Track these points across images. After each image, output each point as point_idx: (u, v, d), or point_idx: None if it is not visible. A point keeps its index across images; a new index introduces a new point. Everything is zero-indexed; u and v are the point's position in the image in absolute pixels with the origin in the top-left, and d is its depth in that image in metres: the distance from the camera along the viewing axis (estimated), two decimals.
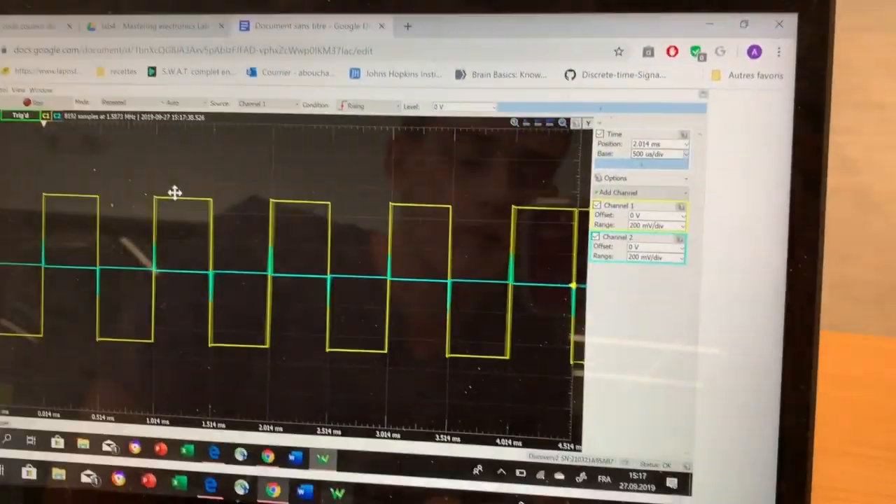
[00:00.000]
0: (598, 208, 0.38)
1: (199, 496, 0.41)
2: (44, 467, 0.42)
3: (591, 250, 0.38)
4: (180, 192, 0.41)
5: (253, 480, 0.41)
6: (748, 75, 0.37)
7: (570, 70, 0.38)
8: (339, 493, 0.40)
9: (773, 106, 0.37)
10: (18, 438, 0.42)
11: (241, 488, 0.41)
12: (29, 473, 0.42)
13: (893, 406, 0.57)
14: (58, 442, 0.42)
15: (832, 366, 0.61)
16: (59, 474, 0.42)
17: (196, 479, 0.41)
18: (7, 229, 0.42)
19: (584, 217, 0.38)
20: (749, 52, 0.37)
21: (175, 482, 0.41)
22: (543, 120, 0.38)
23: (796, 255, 0.37)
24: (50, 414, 0.42)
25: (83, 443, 0.42)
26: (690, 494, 0.38)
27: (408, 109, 0.39)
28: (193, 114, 0.40)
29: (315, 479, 0.40)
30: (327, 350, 0.40)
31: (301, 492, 0.41)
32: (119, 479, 0.42)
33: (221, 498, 0.41)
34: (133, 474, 0.42)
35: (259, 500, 0.41)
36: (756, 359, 0.37)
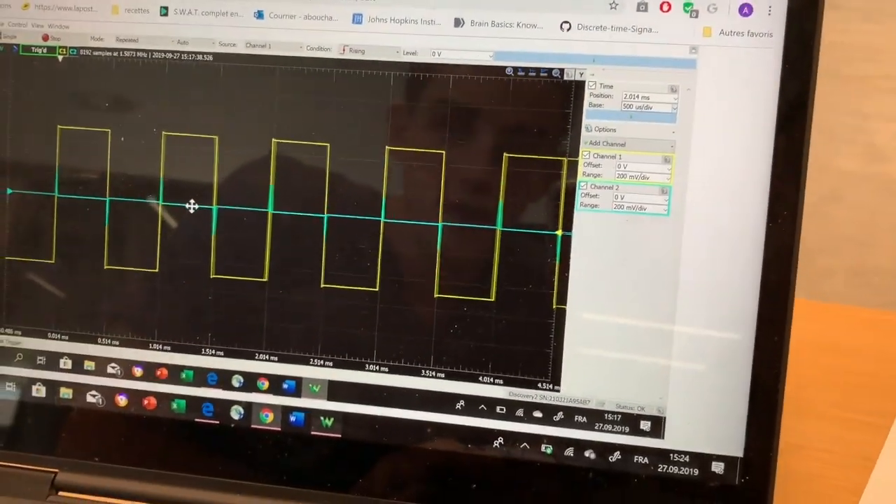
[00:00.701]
0: (587, 158, 0.40)
1: (196, 419, 0.43)
2: (52, 386, 0.45)
3: (578, 199, 0.40)
4: (188, 130, 0.42)
5: (248, 406, 0.43)
6: (738, 33, 0.38)
7: (566, 22, 0.39)
8: (328, 422, 0.42)
9: (761, 64, 0.38)
10: (29, 358, 0.45)
11: (236, 414, 0.43)
12: (38, 392, 0.45)
13: (887, 375, 0.58)
14: (66, 363, 0.44)
15: (831, 336, 0.63)
16: (66, 393, 0.45)
17: (194, 403, 0.43)
18: (24, 159, 0.44)
19: (573, 167, 0.40)
20: (740, 10, 0.38)
21: (174, 405, 0.44)
22: (538, 70, 0.40)
23: (776, 211, 0.38)
24: (59, 336, 0.44)
25: (89, 364, 0.44)
26: (663, 437, 0.40)
27: (406, 55, 0.40)
28: (202, 53, 0.42)
29: (306, 407, 0.42)
30: (322, 286, 0.42)
31: (293, 419, 0.43)
32: (122, 401, 0.44)
33: (217, 422, 0.43)
34: (135, 396, 0.44)
35: (253, 426, 0.43)
36: (732, 310, 0.39)
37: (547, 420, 0.41)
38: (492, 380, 0.41)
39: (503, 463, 0.41)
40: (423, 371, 0.41)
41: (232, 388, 0.43)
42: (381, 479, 0.42)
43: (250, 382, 0.43)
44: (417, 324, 0.41)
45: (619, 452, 0.40)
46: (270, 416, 0.43)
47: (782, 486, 0.46)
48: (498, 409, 0.41)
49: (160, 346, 0.44)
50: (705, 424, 0.39)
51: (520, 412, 0.41)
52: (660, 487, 0.40)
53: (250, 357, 0.43)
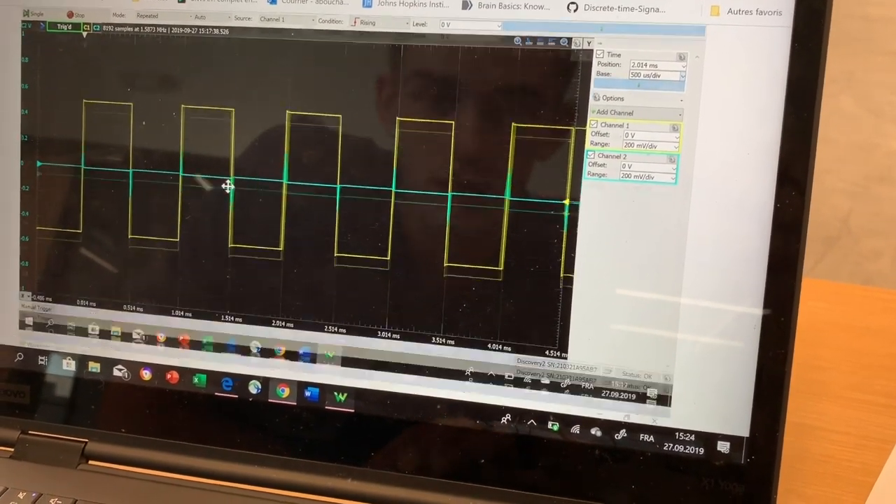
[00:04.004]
0: (595, 128, 0.40)
1: (216, 394, 0.45)
2: (81, 361, 0.47)
3: (586, 168, 0.40)
4: (206, 102, 0.44)
5: (265, 381, 0.44)
6: (747, 11, 0.38)
7: (573, 3, 0.40)
8: (342, 397, 0.44)
9: (770, 42, 0.38)
10: (59, 325, 0.47)
11: (254, 388, 0.45)
12: (68, 365, 0.47)
13: None
14: (93, 329, 0.46)
15: (845, 316, 0.62)
16: (94, 367, 0.47)
17: (214, 377, 0.45)
18: (51, 133, 0.46)
19: (581, 136, 0.40)
20: None
21: (195, 380, 0.45)
22: (546, 39, 0.40)
23: (784, 191, 0.38)
24: (87, 303, 0.46)
25: (116, 329, 0.46)
26: (669, 406, 0.40)
27: (416, 27, 0.41)
28: (218, 28, 0.43)
29: (320, 381, 0.44)
30: (335, 255, 0.43)
31: (308, 393, 0.44)
32: (146, 375, 0.46)
33: (236, 396, 0.45)
34: (159, 371, 0.46)
35: (270, 400, 0.44)
36: (739, 283, 0.39)
37: (554, 388, 0.41)
38: (500, 347, 0.41)
39: (511, 440, 0.41)
40: (434, 339, 0.42)
41: (250, 354, 0.44)
42: (392, 454, 0.43)
43: (268, 349, 0.44)
44: (427, 293, 0.42)
45: (625, 430, 0.40)
46: (286, 391, 0.44)
47: (796, 467, 0.46)
48: (506, 375, 0.41)
49: (182, 313, 0.45)
50: (711, 404, 0.40)
51: (528, 380, 0.41)
52: (666, 466, 0.40)
53: (267, 324, 0.44)
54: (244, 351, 0.45)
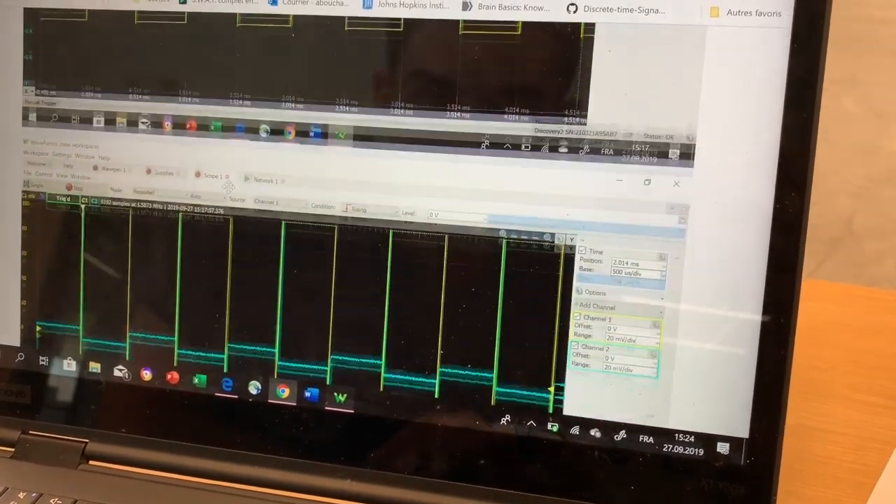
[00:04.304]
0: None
1: (216, 394, 0.45)
2: (83, 361, 0.47)
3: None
4: None
5: (265, 382, 0.45)
6: (746, 12, 0.38)
7: (573, 4, 0.40)
8: (341, 398, 0.44)
9: (770, 43, 0.38)
10: (64, 117, 0.46)
11: (254, 388, 0.45)
12: (69, 366, 0.47)
13: None
14: (98, 121, 0.46)
15: (847, 317, 0.62)
16: (94, 367, 0.47)
17: (214, 378, 0.45)
18: None
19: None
20: None
21: (196, 380, 0.45)
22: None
23: (783, 193, 0.38)
24: (92, 94, 0.46)
25: (121, 121, 0.46)
26: (693, 166, 0.39)
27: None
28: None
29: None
30: (345, 29, 0.42)
31: (307, 394, 0.44)
32: (147, 375, 0.46)
33: (236, 396, 0.45)
34: (159, 371, 0.46)
35: (270, 400, 0.44)
36: (739, 285, 0.39)
37: (573, 155, 0.40)
38: (517, 116, 0.41)
39: (510, 440, 0.42)
40: (448, 112, 0.41)
41: (259, 139, 0.44)
42: (391, 454, 0.43)
43: (277, 131, 0.43)
44: (441, 59, 0.41)
45: (624, 431, 0.40)
46: (286, 392, 0.44)
47: (796, 468, 0.46)
48: (523, 146, 0.40)
49: (189, 99, 0.44)
50: (711, 405, 0.40)
51: (545, 148, 0.40)
52: (665, 467, 0.40)
53: (276, 106, 0.43)
54: (253, 134, 0.44)
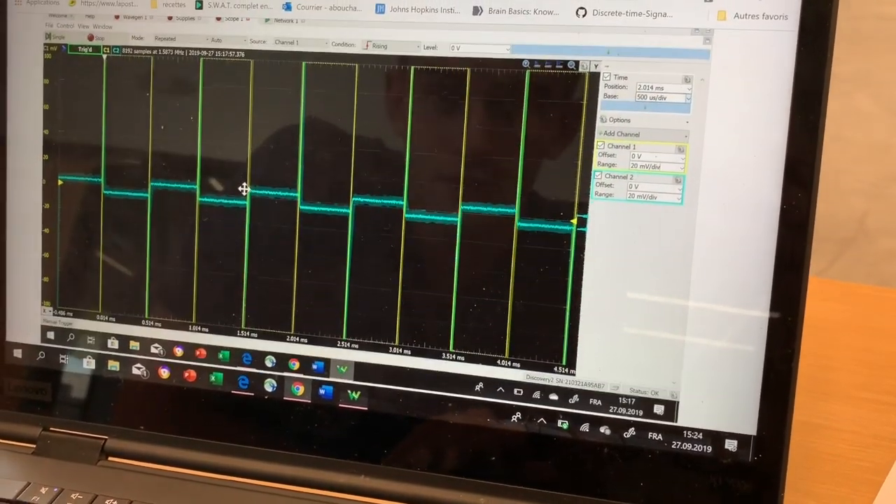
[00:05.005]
0: (602, 149, 0.40)
1: (232, 391, 0.46)
2: (101, 360, 0.48)
3: (593, 188, 0.41)
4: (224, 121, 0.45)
5: (280, 380, 0.45)
6: (753, 16, 0.38)
7: (581, 8, 0.40)
8: (355, 395, 0.44)
9: (777, 46, 0.38)
10: (80, 339, 0.48)
11: (269, 386, 0.46)
12: (88, 364, 0.48)
13: None
14: (113, 343, 0.48)
15: (856, 316, 0.62)
16: (113, 366, 0.48)
17: (230, 376, 0.46)
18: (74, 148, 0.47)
19: (588, 156, 0.40)
20: None
21: (212, 378, 0.46)
22: (553, 62, 0.41)
23: (791, 194, 0.38)
24: (107, 318, 0.47)
25: (134, 345, 0.47)
26: (676, 421, 0.41)
27: (427, 50, 0.42)
28: (234, 50, 0.44)
29: (335, 381, 0.45)
30: (347, 273, 0.44)
31: (322, 391, 0.45)
32: (164, 373, 0.47)
33: (252, 394, 0.46)
34: (176, 369, 0.47)
35: (285, 398, 0.45)
36: (747, 283, 0.39)
37: (563, 403, 0.42)
38: (509, 363, 0.42)
39: (522, 438, 0.42)
40: (444, 354, 0.43)
41: (265, 368, 0.45)
42: (404, 451, 0.44)
43: (282, 363, 0.45)
44: (438, 309, 0.43)
45: (633, 429, 0.41)
46: (301, 389, 0.45)
47: (804, 466, 0.46)
48: (515, 391, 0.42)
49: (199, 328, 0.46)
50: (719, 403, 0.40)
51: (536, 395, 0.42)
52: (674, 464, 0.41)
53: (282, 339, 0.45)
54: (259, 365, 0.46)
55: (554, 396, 0.42)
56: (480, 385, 0.43)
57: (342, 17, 0.43)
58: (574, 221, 0.41)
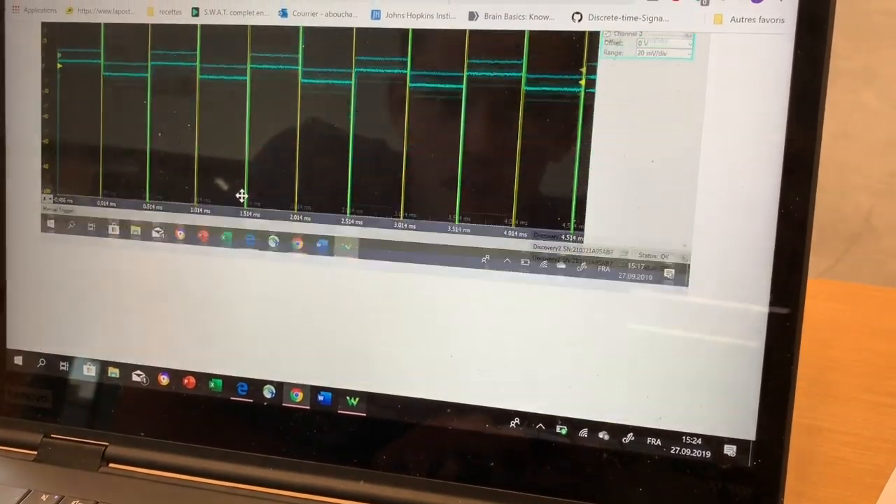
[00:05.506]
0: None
1: (231, 398, 0.46)
2: (102, 366, 0.48)
3: (602, 47, 0.40)
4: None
5: (279, 386, 0.45)
6: (750, 19, 0.38)
7: (577, 12, 0.40)
8: (353, 401, 0.44)
9: (773, 50, 0.38)
10: (80, 226, 0.48)
11: (268, 392, 0.46)
12: (89, 371, 0.48)
13: None
14: (113, 228, 0.47)
15: (858, 317, 0.62)
16: (113, 372, 0.48)
17: (229, 382, 0.46)
18: None
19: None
20: None
21: (211, 384, 0.46)
22: None
23: (789, 196, 0.38)
24: (107, 203, 0.47)
25: (135, 230, 0.47)
26: (687, 285, 0.40)
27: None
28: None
29: (337, 265, 0.44)
30: (350, 149, 0.43)
31: (321, 398, 0.45)
32: (164, 380, 0.47)
33: (251, 400, 0.46)
34: (176, 376, 0.47)
35: (284, 404, 0.45)
36: (744, 286, 0.39)
37: (570, 272, 0.41)
38: (516, 233, 0.41)
39: (520, 443, 0.42)
40: (450, 227, 0.42)
41: (269, 249, 0.45)
42: (402, 456, 0.44)
43: (285, 242, 0.45)
44: (444, 177, 0.42)
45: (632, 434, 0.41)
46: (300, 395, 0.45)
47: (805, 469, 0.46)
48: (522, 262, 0.41)
49: (201, 210, 0.46)
50: (718, 407, 0.40)
51: (544, 264, 0.41)
52: (672, 469, 0.41)
53: (285, 218, 0.44)
54: (262, 246, 0.45)
55: (561, 265, 0.41)
56: (487, 258, 0.42)
57: (338, 24, 0.43)
58: (582, 82, 0.40)
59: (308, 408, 0.45)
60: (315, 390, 0.45)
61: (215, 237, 0.46)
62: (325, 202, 0.44)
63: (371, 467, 0.44)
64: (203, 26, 0.45)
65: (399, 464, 0.44)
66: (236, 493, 0.44)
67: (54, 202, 0.48)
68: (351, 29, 0.43)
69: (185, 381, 0.47)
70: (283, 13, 0.43)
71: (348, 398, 0.44)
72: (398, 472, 0.43)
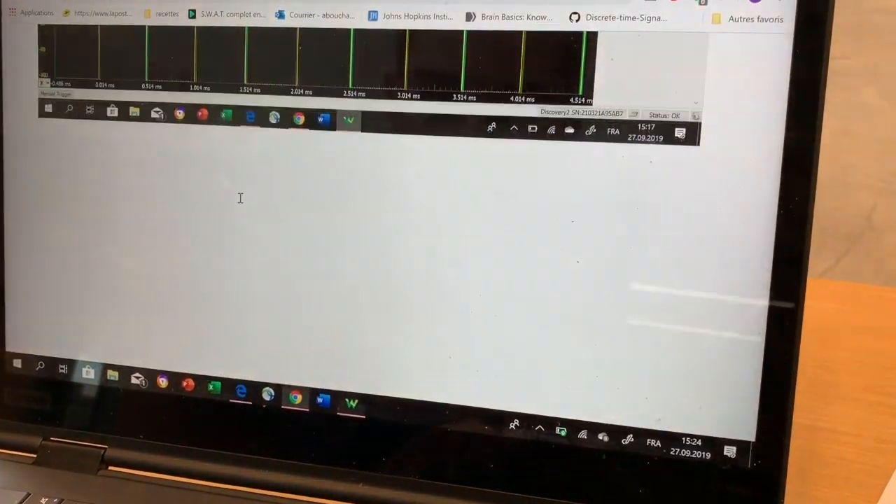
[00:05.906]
0: None
1: (230, 400, 0.46)
2: (100, 370, 0.48)
3: None
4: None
5: (278, 388, 0.45)
6: (748, 19, 0.38)
7: (575, 13, 0.40)
8: (352, 403, 0.44)
9: (772, 50, 0.38)
10: (78, 109, 0.47)
11: (267, 394, 0.46)
12: (88, 374, 0.48)
13: None
14: (112, 111, 0.46)
15: (859, 317, 0.62)
16: (112, 375, 0.48)
17: (228, 385, 0.46)
18: None
19: None
20: None
21: (210, 387, 0.46)
22: None
23: (789, 194, 0.38)
24: (106, 85, 0.47)
25: (134, 111, 0.46)
26: (698, 144, 0.39)
27: None
28: None
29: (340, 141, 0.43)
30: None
31: (320, 400, 0.45)
32: (163, 382, 0.47)
33: (250, 402, 0.46)
34: (175, 378, 0.47)
35: (283, 406, 0.45)
36: (744, 285, 0.39)
37: (579, 136, 0.40)
38: (523, 99, 0.41)
39: (520, 445, 0.42)
40: (455, 95, 0.42)
41: (270, 125, 0.44)
42: (401, 458, 0.44)
43: (287, 117, 0.44)
44: (449, 45, 0.41)
45: (631, 435, 0.41)
46: (299, 398, 0.45)
47: (805, 470, 0.46)
48: (530, 128, 0.41)
49: (200, 88, 0.45)
50: (717, 408, 0.40)
51: (551, 129, 0.40)
52: (672, 471, 0.40)
53: (286, 93, 0.44)
54: (263, 122, 0.44)
55: (570, 130, 0.40)
56: (493, 125, 0.41)
57: (335, 25, 0.43)
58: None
59: (307, 410, 0.45)
60: (314, 392, 0.45)
61: (215, 115, 0.45)
62: (327, 79, 0.43)
63: (370, 469, 0.44)
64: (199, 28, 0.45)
65: (398, 466, 0.43)
66: (236, 496, 0.44)
67: (52, 86, 0.48)
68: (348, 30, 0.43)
69: (184, 383, 0.47)
70: (280, 15, 0.43)
71: (347, 400, 0.44)
72: (397, 475, 0.43)
